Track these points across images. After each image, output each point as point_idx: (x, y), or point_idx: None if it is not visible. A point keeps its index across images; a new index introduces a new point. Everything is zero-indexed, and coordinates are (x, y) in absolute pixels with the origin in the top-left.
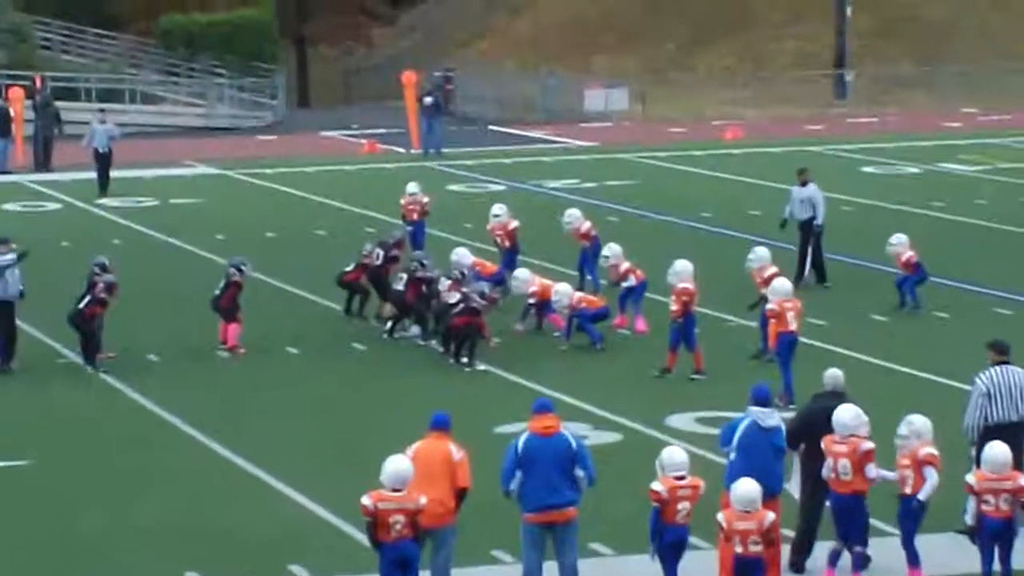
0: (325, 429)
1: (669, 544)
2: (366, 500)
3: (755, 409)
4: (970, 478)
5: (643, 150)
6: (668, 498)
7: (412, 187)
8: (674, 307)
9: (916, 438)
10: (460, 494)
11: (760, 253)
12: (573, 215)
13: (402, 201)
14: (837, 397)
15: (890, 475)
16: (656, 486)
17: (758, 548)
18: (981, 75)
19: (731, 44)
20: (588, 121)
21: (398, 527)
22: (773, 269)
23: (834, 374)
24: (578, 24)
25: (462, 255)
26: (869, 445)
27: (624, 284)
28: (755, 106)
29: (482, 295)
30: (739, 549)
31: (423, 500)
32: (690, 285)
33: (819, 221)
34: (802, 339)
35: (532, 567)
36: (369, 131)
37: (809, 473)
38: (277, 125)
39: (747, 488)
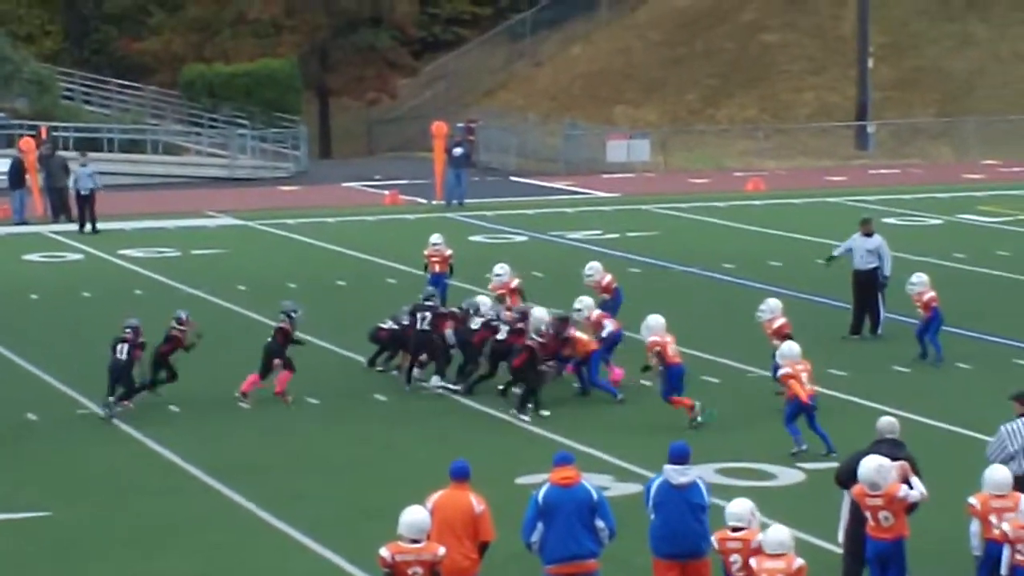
0: (345, 479)
1: None
2: (384, 552)
3: (668, 467)
4: (1006, 526)
5: (665, 201)
6: (719, 549)
7: (436, 238)
8: (652, 361)
9: None
10: (483, 546)
11: (771, 305)
12: (595, 268)
13: (425, 252)
14: (895, 446)
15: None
16: (711, 537)
17: None
18: (1002, 127)
19: (752, 95)
20: (610, 172)
21: None
22: (782, 320)
23: (889, 421)
24: (600, 75)
25: (482, 302)
26: (904, 491)
27: (602, 334)
28: (776, 157)
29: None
30: None
31: (441, 551)
32: (659, 338)
33: (886, 272)
34: (821, 390)
35: None
36: (391, 182)
37: (856, 517)
38: (299, 176)
39: (774, 535)
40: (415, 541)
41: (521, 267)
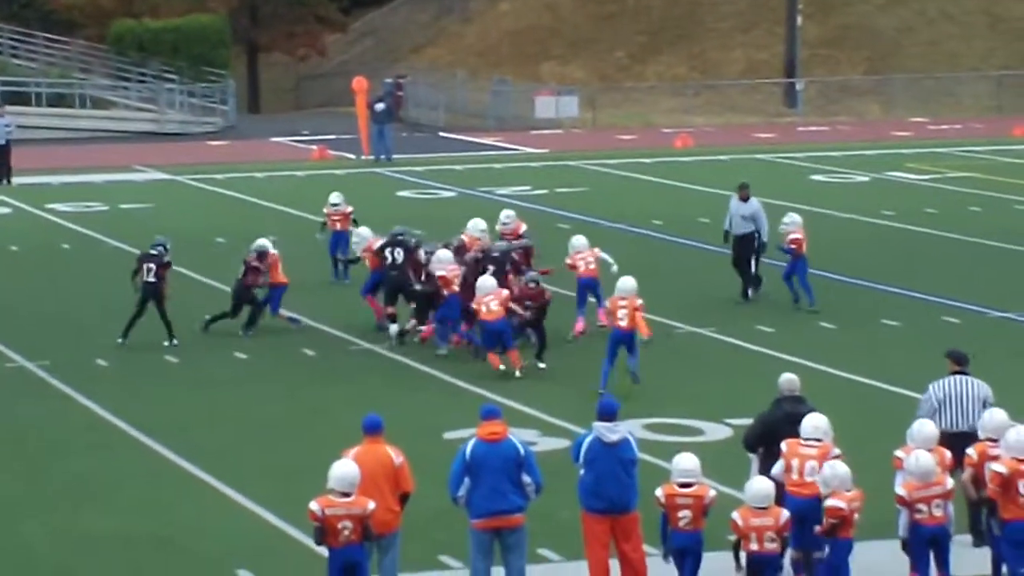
0: (274, 434)
1: (675, 550)
2: (314, 506)
3: (598, 424)
4: (900, 490)
5: (593, 157)
6: (666, 504)
7: (335, 197)
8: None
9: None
10: (403, 498)
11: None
12: (510, 216)
13: (325, 211)
14: (797, 401)
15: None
16: (657, 491)
17: (774, 545)
18: (931, 85)
19: (681, 52)
20: (538, 128)
21: (346, 532)
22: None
23: (789, 378)
24: (529, 32)
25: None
26: (838, 451)
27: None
28: (705, 114)
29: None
30: (754, 546)
31: (371, 505)
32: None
33: (764, 238)
34: (749, 346)
35: (480, 573)
36: (319, 137)
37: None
38: (228, 130)
39: (760, 486)
40: (345, 495)
41: (450, 223)
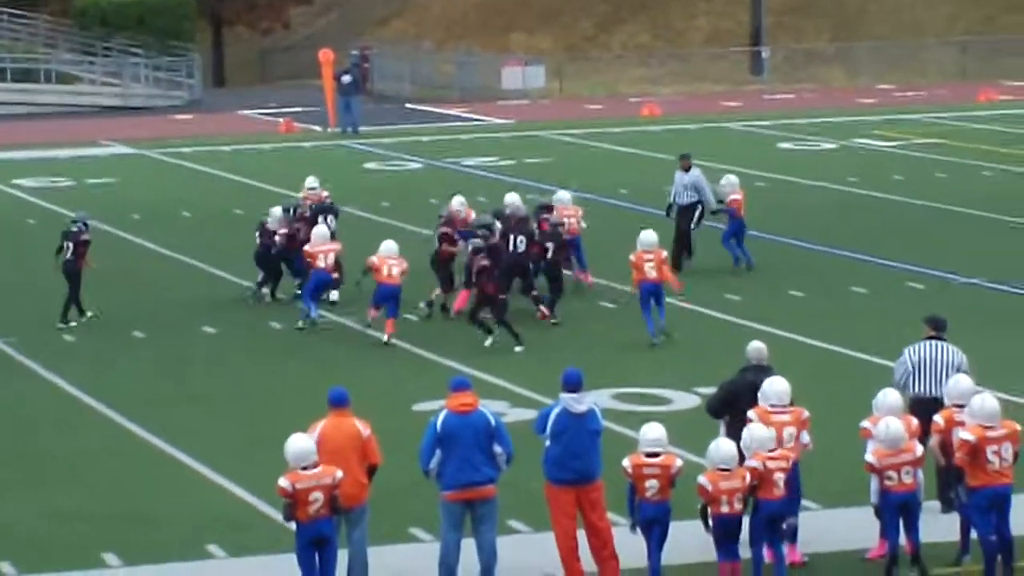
0: (242, 409)
1: (643, 520)
2: (283, 482)
3: (565, 395)
4: (869, 457)
5: (560, 127)
6: (633, 474)
7: (311, 181)
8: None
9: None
10: (371, 470)
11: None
12: (462, 203)
13: (300, 195)
14: (762, 371)
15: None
16: (624, 462)
17: (740, 506)
18: (896, 51)
19: (646, 21)
20: (505, 99)
21: (316, 505)
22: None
23: (757, 347)
24: (495, 3)
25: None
26: (808, 413)
27: None
28: (671, 83)
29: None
30: (725, 509)
31: (339, 474)
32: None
33: (711, 207)
34: (715, 314)
35: (451, 545)
36: (286, 110)
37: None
38: (193, 104)
39: (726, 447)
40: (306, 468)
41: (416, 194)
